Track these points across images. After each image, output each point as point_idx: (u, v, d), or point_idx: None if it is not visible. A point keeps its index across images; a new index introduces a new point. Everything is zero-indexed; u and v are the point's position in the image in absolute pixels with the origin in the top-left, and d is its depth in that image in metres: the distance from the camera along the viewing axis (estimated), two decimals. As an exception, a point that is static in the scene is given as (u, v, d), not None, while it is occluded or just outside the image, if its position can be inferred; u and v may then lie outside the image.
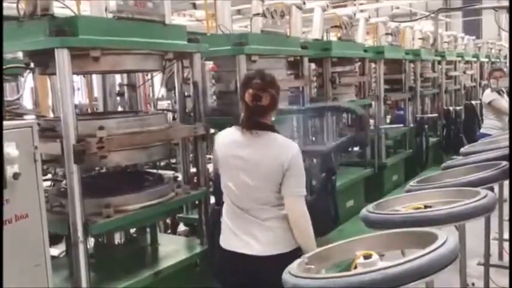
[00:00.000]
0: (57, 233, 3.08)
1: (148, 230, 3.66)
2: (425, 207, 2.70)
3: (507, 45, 9.78)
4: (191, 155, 3.89)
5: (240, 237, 2.64)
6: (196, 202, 3.73)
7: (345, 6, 9.14)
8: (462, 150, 4.47)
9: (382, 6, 14.15)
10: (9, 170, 2.19)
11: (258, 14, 4.48)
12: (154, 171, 4.58)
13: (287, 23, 5.03)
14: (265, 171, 2.60)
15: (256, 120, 2.61)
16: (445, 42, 10.01)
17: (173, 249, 3.58)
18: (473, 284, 4.00)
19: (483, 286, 3.85)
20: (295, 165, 2.58)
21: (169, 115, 5.30)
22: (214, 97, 4.06)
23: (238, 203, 2.67)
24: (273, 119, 2.72)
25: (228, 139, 2.72)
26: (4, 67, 3.20)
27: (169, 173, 4.79)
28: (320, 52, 5.48)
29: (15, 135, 2.24)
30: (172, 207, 3.50)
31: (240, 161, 2.63)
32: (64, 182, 3.10)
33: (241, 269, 2.66)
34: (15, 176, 2.20)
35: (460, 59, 10.17)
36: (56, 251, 3.78)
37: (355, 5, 12.58)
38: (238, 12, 8.17)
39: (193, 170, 3.76)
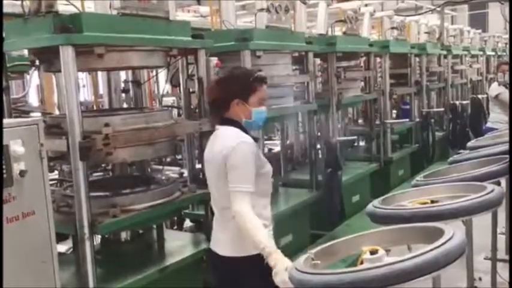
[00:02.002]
0: (64, 233, 3.10)
1: (154, 226, 3.67)
2: (432, 202, 2.69)
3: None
4: (196, 151, 3.89)
5: (213, 234, 2.72)
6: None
7: (350, 0, 9.07)
8: (469, 144, 4.45)
9: (387, 0, 14.06)
10: (16, 168, 2.20)
11: (262, 10, 4.46)
12: (160, 167, 4.61)
13: (291, 18, 5.01)
14: (214, 169, 2.55)
15: (214, 116, 2.68)
16: (451, 36, 9.94)
17: (179, 245, 3.59)
18: (480, 279, 3.99)
19: (490, 281, 3.83)
20: (233, 158, 2.43)
21: (175, 111, 5.31)
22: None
23: (211, 202, 2.73)
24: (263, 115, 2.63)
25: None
26: (9, 64, 3.22)
27: (175, 169, 4.82)
28: (325, 47, 5.46)
29: (21, 132, 2.26)
30: (179, 207, 3.51)
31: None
32: (70, 182, 3.11)
33: (212, 266, 2.77)
34: (22, 173, 2.21)
35: (466, 52, 10.11)
36: (63, 247, 3.80)
37: (360, -1, 12.49)
38: (243, 7, 8.15)
39: (198, 166, 3.76)
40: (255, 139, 2.60)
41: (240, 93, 2.54)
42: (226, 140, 2.50)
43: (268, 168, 2.63)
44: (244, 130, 2.57)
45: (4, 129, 2.21)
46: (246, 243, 2.43)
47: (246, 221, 2.37)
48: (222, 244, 2.60)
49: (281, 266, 2.23)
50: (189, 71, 3.71)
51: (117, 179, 3.67)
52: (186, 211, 4.46)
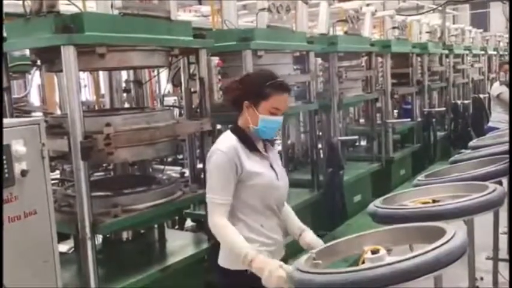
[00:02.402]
0: (66, 232, 3.10)
1: (155, 226, 3.67)
2: (434, 201, 2.69)
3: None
4: (197, 151, 3.90)
5: None
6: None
7: (351, 0, 9.06)
8: (470, 144, 4.45)
9: (389, 0, 14.04)
10: (17, 167, 2.21)
11: (263, 9, 4.46)
12: (162, 167, 4.61)
13: (293, 18, 5.01)
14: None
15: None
16: (452, 35, 9.93)
17: (181, 244, 3.59)
18: (481, 279, 3.98)
19: (492, 280, 3.83)
20: (207, 165, 2.30)
21: (176, 111, 5.32)
22: (221, 93, 4.05)
23: None
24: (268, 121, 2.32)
25: None
26: (11, 64, 3.22)
27: (176, 169, 4.82)
28: (326, 47, 5.46)
29: (22, 132, 2.26)
30: (180, 207, 3.51)
31: None
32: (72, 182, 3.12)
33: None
34: (23, 173, 2.22)
35: (467, 52, 10.09)
36: (65, 247, 3.80)
37: (361, -2, 12.48)
38: (244, 7, 8.13)
39: (200, 165, 3.76)
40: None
41: (252, 95, 2.32)
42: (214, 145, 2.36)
43: (259, 181, 2.30)
44: (245, 139, 2.33)
45: (6, 129, 2.21)
46: (233, 255, 2.24)
47: (221, 234, 2.21)
48: (220, 252, 2.41)
49: (273, 264, 2.08)
50: (191, 71, 3.71)
51: (118, 179, 3.67)
52: (187, 211, 4.46)
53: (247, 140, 2.34)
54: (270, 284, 2.06)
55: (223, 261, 2.36)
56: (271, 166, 2.39)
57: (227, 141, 2.31)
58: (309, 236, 2.50)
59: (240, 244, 2.17)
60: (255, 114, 2.31)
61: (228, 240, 2.21)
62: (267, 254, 2.25)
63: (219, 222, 2.21)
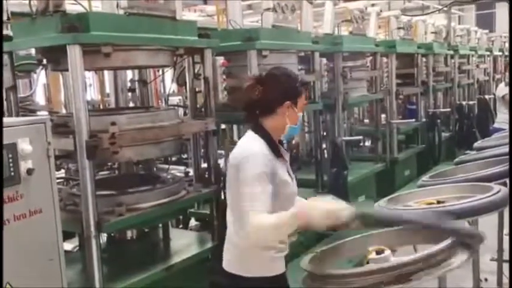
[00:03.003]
0: (71, 231, 3.12)
1: (160, 225, 3.68)
2: (438, 202, 2.69)
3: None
4: (202, 150, 3.90)
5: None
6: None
7: (356, 0, 9.04)
8: (475, 145, 4.44)
9: (394, 0, 14.01)
10: (23, 166, 2.21)
11: (268, 9, 4.46)
12: (167, 166, 4.62)
13: (298, 18, 5.01)
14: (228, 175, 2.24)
15: (251, 119, 2.28)
16: (458, 36, 9.89)
17: (185, 244, 3.60)
18: (486, 280, 3.97)
19: (496, 281, 3.82)
20: (241, 172, 2.07)
21: (180, 110, 5.33)
22: (225, 92, 4.06)
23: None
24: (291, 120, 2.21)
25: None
26: (17, 63, 3.24)
27: (180, 168, 4.83)
28: (331, 47, 5.45)
29: (28, 131, 2.27)
30: (184, 206, 3.51)
31: None
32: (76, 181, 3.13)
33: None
34: (29, 171, 2.23)
35: (473, 53, 10.06)
36: (69, 245, 3.81)
37: (366, -2, 12.47)
38: (249, 7, 8.13)
39: (204, 165, 3.77)
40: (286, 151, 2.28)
41: (291, 95, 2.20)
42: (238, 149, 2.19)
43: (288, 190, 2.20)
44: (273, 144, 2.19)
45: (12, 128, 2.23)
46: (250, 262, 2.17)
47: (267, 228, 1.98)
48: (227, 257, 2.30)
49: (339, 205, 1.99)
50: (195, 71, 3.72)
51: (122, 178, 3.68)
52: (192, 210, 4.48)
53: (275, 146, 2.19)
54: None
55: (237, 266, 2.22)
56: (288, 172, 2.26)
57: (260, 145, 2.14)
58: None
59: (288, 215, 1.96)
60: (294, 113, 2.19)
61: (276, 225, 1.98)
62: (280, 260, 2.22)
63: (262, 220, 1.96)
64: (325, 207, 1.94)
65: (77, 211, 2.89)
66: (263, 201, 2.00)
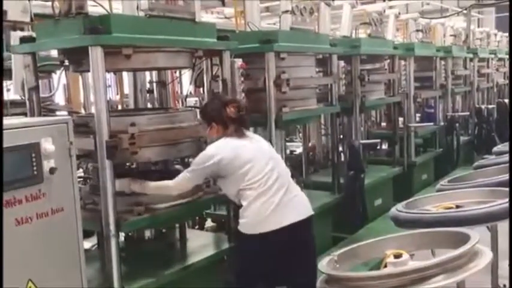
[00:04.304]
0: (90, 229, 3.16)
1: (177, 225, 3.71)
2: (457, 207, 2.67)
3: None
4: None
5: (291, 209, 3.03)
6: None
7: (374, 2, 8.98)
8: (495, 149, 4.40)
9: (412, 3, 13.88)
10: (46, 165, 2.26)
11: (287, 11, 4.47)
12: (183, 167, 4.65)
13: (316, 20, 5.01)
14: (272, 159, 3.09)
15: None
16: (477, 38, 9.78)
17: (201, 244, 3.62)
18: (504, 286, 3.91)
19: (515, 288, 3.76)
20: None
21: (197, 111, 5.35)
22: (243, 94, 4.08)
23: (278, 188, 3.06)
24: None
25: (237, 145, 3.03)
26: (39, 64, 3.29)
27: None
28: (349, 49, 5.44)
29: (51, 131, 2.31)
30: (202, 207, 3.53)
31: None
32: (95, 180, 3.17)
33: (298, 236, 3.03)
34: (52, 170, 2.27)
35: (492, 56, 9.93)
36: (88, 244, 3.86)
37: (384, 1, 12.39)
38: (267, 9, 8.16)
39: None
40: None
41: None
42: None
43: None
44: None
45: (35, 127, 2.28)
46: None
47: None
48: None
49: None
50: (214, 72, 3.74)
51: (141, 175, 3.72)
52: (208, 211, 4.50)
53: None
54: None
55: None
56: None
57: None
58: None
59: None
60: None
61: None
62: None
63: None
64: None
65: (96, 210, 2.93)
66: None
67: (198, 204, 3.38)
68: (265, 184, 2.92)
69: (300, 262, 2.98)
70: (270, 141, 4.04)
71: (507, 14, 19.55)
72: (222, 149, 2.96)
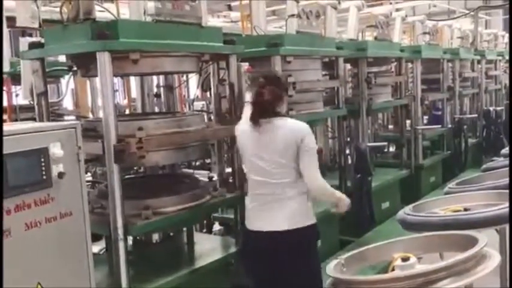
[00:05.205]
0: (99, 233, 3.18)
1: (184, 229, 3.72)
2: (465, 209, 2.66)
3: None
4: (225, 156, 3.93)
5: (262, 216, 2.88)
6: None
7: (381, 5, 8.99)
8: (503, 151, 4.37)
9: (419, 5, 13.85)
10: (55, 169, 2.28)
11: (293, 15, 4.48)
12: (191, 171, 4.67)
13: (322, 23, 5.02)
14: (276, 149, 2.82)
15: (263, 112, 2.87)
16: (485, 40, 9.75)
17: (209, 248, 3.63)
18: (514, 289, 3.89)
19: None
20: (309, 138, 2.81)
21: (204, 115, 5.37)
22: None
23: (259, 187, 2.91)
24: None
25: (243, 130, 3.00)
26: (48, 69, 3.32)
27: (203, 173, 4.87)
28: (355, 52, 5.44)
29: (60, 135, 2.34)
30: (209, 210, 3.54)
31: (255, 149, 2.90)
32: (104, 183, 3.19)
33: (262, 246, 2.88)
34: (60, 175, 2.29)
35: (500, 58, 9.89)
36: (96, 248, 3.88)
37: (391, 3, 12.37)
38: (273, 13, 8.19)
39: (228, 170, 3.79)
40: None
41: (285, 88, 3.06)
42: (296, 126, 2.86)
43: None
44: None
45: (44, 132, 2.30)
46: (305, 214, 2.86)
47: (324, 191, 2.96)
48: (282, 219, 2.82)
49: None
50: (220, 76, 3.76)
51: (149, 179, 3.74)
52: (216, 214, 4.50)
53: None
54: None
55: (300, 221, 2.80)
56: None
57: None
58: None
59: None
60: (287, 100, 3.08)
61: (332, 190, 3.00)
62: None
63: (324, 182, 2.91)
64: None
65: (105, 214, 2.94)
66: None
67: (205, 207, 3.39)
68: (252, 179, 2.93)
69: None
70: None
71: (515, 15, 19.34)
72: None
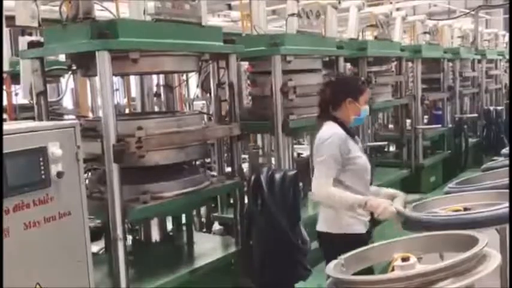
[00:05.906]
0: (96, 219, 3.15)
1: (184, 228, 3.72)
2: (465, 209, 2.64)
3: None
4: (225, 155, 3.93)
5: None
6: (232, 201, 3.75)
7: (381, 4, 8.98)
8: (503, 151, 4.35)
9: (420, 4, 13.84)
10: (54, 169, 2.27)
11: (293, 14, 4.47)
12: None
13: (322, 23, 5.01)
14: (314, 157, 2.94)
15: (321, 111, 2.96)
16: (485, 40, 9.75)
17: (209, 248, 3.63)
18: (514, 289, 3.88)
19: (525, 292, 3.72)
20: (320, 146, 2.82)
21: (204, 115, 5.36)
22: (250, 98, 4.09)
23: None
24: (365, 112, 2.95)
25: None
26: (47, 69, 3.32)
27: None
28: (356, 52, 5.43)
29: (59, 135, 2.33)
30: (208, 196, 3.52)
31: None
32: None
33: None
34: (59, 174, 2.28)
35: (501, 57, 9.88)
36: (96, 247, 3.88)
37: (391, 3, 12.36)
38: (273, 12, 8.18)
39: (228, 169, 3.79)
40: (352, 134, 2.94)
41: (353, 93, 2.91)
42: (319, 134, 2.88)
43: (361, 161, 2.89)
44: (347, 129, 2.89)
45: (42, 132, 2.29)
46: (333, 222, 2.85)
47: (336, 198, 2.75)
48: (319, 221, 2.95)
49: (386, 202, 2.67)
50: (220, 76, 3.75)
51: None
52: (215, 214, 4.50)
53: (348, 129, 2.90)
54: (383, 216, 2.64)
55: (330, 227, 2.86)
56: (360, 149, 2.95)
57: (337, 129, 2.84)
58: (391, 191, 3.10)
59: (352, 196, 2.74)
60: (356, 107, 2.90)
61: (337, 200, 2.77)
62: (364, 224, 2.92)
63: (330, 191, 2.75)
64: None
65: (103, 199, 2.91)
66: (332, 167, 2.77)
67: (204, 193, 3.37)
68: None
69: None
70: (277, 148, 4.04)
71: (515, 14, 19.33)
72: None
